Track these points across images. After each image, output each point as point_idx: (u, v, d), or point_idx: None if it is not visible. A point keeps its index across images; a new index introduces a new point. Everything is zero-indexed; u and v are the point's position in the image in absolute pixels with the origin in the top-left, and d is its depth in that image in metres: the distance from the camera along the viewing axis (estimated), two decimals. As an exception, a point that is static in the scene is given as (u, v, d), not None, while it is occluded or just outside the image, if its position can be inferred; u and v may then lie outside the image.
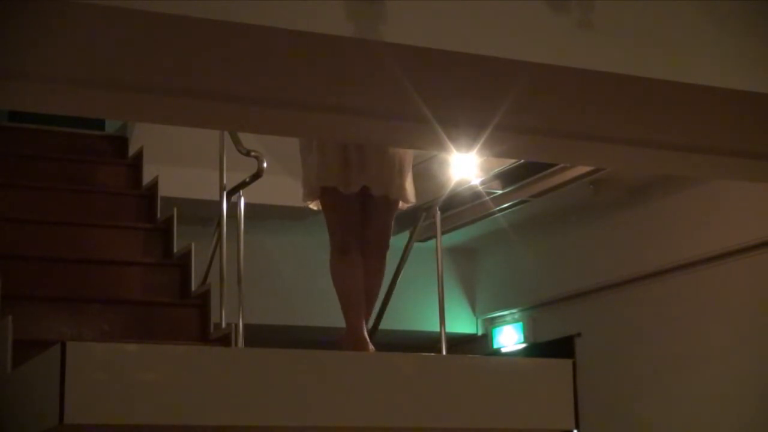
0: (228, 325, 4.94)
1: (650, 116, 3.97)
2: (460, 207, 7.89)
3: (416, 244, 5.62)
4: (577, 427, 4.17)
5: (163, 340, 4.95)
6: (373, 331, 5.23)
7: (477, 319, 9.26)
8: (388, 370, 3.98)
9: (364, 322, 4.59)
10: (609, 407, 7.62)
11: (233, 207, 5.08)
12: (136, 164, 6.23)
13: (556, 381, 4.17)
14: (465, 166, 7.00)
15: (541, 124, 3.98)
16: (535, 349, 8.61)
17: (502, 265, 9.01)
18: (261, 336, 5.39)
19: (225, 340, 4.88)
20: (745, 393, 6.71)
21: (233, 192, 5.09)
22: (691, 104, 3.83)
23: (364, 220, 4.66)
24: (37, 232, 5.42)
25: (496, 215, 7.98)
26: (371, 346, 4.56)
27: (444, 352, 5.21)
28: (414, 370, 4.03)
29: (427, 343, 6.04)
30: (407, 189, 4.67)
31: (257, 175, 4.93)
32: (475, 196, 7.62)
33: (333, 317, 4.72)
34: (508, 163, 7.14)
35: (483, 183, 7.42)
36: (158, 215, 5.82)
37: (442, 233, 5.80)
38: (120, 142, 6.61)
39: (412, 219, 5.70)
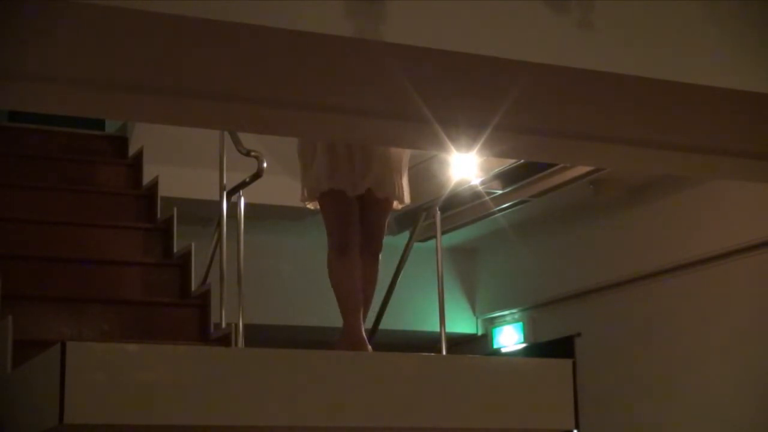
0: (228, 325, 4.94)
1: (650, 116, 3.97)
2: (460, 207, 7.89)
3: (416, 244, 5.61)
4: (577, 427, 4.17)
5: (163, 340, 4.95)
6: (373, 331, 5.24)
7: (477, 319, 9.26)
8: (388, 370, 3.98)
9: (362, 323, 4.59)
10: (609, 407, 7.61)
11: (233, 207, 5.08)
12: (136, 164, 6.23)
13: (556, 381, 4.17)
14: (465, 166, 7.00)
15: (541, 124, 3.98)
16: (535, 349, 8.61)
17: (502, 265, 9.01)
18: (261, 336, 5.40)
19: (225, 340, 4.88)
20: (745, 393, 6.71)
21: (233, 192, 5.09)
22: (691, 104, 3.83)
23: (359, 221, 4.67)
24: (37, 232, 5.42)
25: (496, 215, 7.98)
26: (369, 347, 4.57)
27: (444, 352, 5.21)
28: (414, 370, 4.03)
29: (427, 343, 6.04)
30: (404, 190, 4.68)
31: (257, 175, 4.93)
32: (475, 196, 7.62)
33: (333, 317, 4.72)
34: (508, 163, 7.14)
35: (483, 183, 7.42)
36: (158, 215, 5.82)
37: (442, 233, 5.80)
38: (120, 142, 6.61)
39: (412, 219, 5.70)
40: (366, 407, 3.84)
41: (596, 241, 8.02)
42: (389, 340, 5.63)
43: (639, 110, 3.91)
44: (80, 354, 3.49)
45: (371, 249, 4.68)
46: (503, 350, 9.02)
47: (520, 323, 8.95)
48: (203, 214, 6.50)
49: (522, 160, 6.89)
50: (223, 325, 5.00)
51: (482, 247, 9.10)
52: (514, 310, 9.00)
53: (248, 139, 5.13)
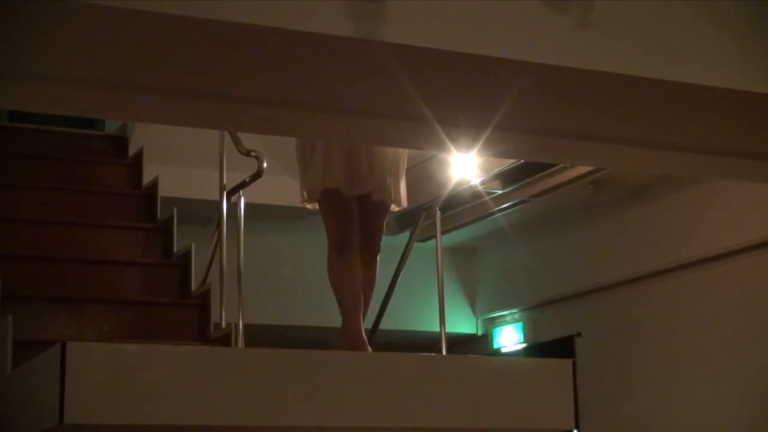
0: (228, 325, 4.94)
1: (650, 116, 3.97)
2: (460, 207, 7.90)
3: (416, 244, 5.62)
4: (577, 427, 4.17)
5: (163, 340, 4.95)
6: (373, 331, 5.24)
7: (477, 319, 9.26)
8: (388, 370, 3.98)
9: (362, 323, 4.59)
10: (609, 407, 7.62)
11: (233, 207, 5.08)
12: (136, 164, 6.23)
13: (556, 381, 4.17)
14: (465, 166, 7.00)
15: (541, 124, 3.98)
16: (535, 349, 8.61)
17: (502, 265, 9.01)
18: (261, 336, 5.39)
19: (225, 340, 4.88)
20: (745, 393, 6.71)
21: (233, 192, 5.09)
22: (691, 104, 3.83)
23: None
24: (37, 232, 5.42)
25: (496, 215, 7.99)
26: (369, 347, 4.57)
27: (444, 352, 5.21)
28: (414, 370, 4.03)
29: (427, 343, 6.05)
30: (402, 193, 4.69)
31: (257, 175, 4.93)
32: (475, 196, 7.63)
33: (332, 317, 4.72)
34: (508, 163, 7.15)
35: (483, 183, 7.43)
36: (158, 215, 5.82)
37: (442, 233, 5.81)
38: (120, 142, 6.62)
39: (412, 219, 5.70)
40: (366, 407, 3.84)
41: (596, 241, 8.03)
42: (389, 340, 5.64)
43: (639, 110, 3.91)
44: (80, 354, 3.49)
45: (370, 250, 4.69)
46: (503, 350, 9.02)
47: (520, 323, 8.95)
48: (203, 214, 6.50)
49: (522, 160, 6.89)
50: (223, 325, 5.00)
51: (482, 247, 9.10)
52: (514, 310, 9.00)
53: (248, 139, 5.13)
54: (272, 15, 3.11)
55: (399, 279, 5.44)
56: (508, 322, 9.09)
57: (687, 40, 3.66)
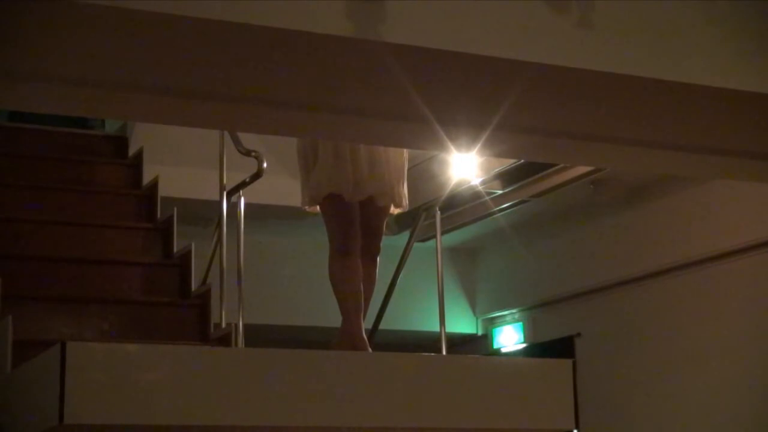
0: (228, 325, 4.94)
1: (650, 116, 3.97)
2: (460, 207, 7.90)
3: (416, 244, 5.62)
4: (577, 427, 4.17)
5: (163, 340, 4.95)
6: (373, 331, 5.24)
7: (477, 319, 9.26)
8: (388, 370, 3.98)
9: (362, 323, 4.60)
10: (609, 407, 7.62)
11: (233, 207, 5.08)
12: (136, 164, 6.23)
13: (556, 381, 4.17)
14: (465, 166, 7.01)
15: (541, 124, 3.98)
16: (535, 349, 8.61)
17: (502, 265, 9.01)
18: (261, 336, 5.39)
19: (225, 340, 4.88)
20: (745, 393, 6.71)
21: (233, 192, 5.09)
22: (691, 104, 3.83)
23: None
24: (37, 232, 5.42)
25: (496, 215, 7.99)
26: (369, 348, 4.57)
27: (444, 352, 5.21)
28: (414, 370, 4.03)
29: (427, 343, 6.04)
30: (404, 196, 4.71)
31: (257, 175, 4.93)
32: (475, 196, 7.63)
33: (332, 317, 4.73)
34: (508, 163, 7.15)
35: (483, 183, 7.43)
36: (158, 215, 5.82)
37: (442, 233, 5.80)
38: (120, 142, 6.61)
39: (412, 219, 5.70)
40: (366, 407, 3.84)
41: (596, 241, 8.03)
42: (389, 340, 5.64)
43: (639, 110, 3.91)
44: (80, 354, 3.49)
45: (370, 251, 4.70)
46: (503, 350, 9.02)
47: (520, 323, 8.95)
48: (203, 214, 6.50)
49: (522, 160, 6.89)
50: (223, 325, 5.00)
51: (482, 247, 9.10)
52: (514, 310, 9.00)
53: (248, 139, 5.12)
54: (272, 15, 3.11)
55: (399, 279, 5.44)
56: (508, 322, 9.09)
57: (687, 40, 3.66)
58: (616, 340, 7.78)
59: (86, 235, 5.49)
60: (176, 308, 5.25)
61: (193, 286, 5.35)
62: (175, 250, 5.57)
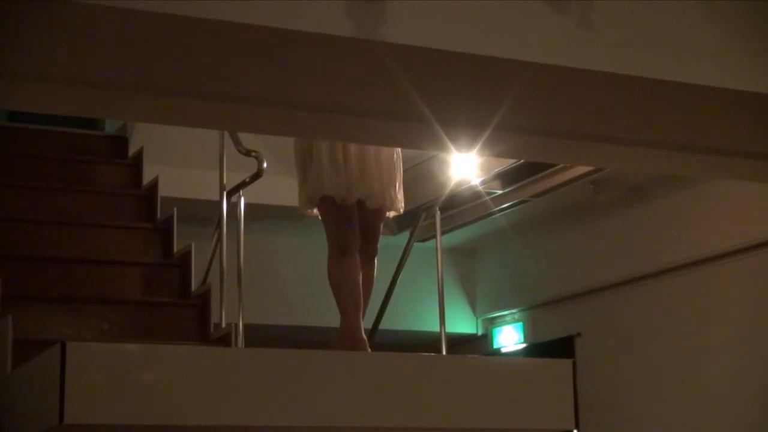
0: (228, 325, 4.94)
1: (650, 116, 3.97)
2: (460, 207, 7.90)
3: (416, 244, 5.62)
4: (577, 427, 4.17)
5: (163, 340, 4.95)
6: (373, 331, 5.24)
7: (477, 319, 9.26)
8: (388, 370, 3.98)
9: (362, 323, 4.60)
10: (609, 407, 7.62)
11: (233, 207, 5.08)
12: (136, 164, 6.23)
13: (556, 381, 4.17)
14: (465, 166, 7.01)
15: (541, 124, 3.98)
16: (535, 349, 8.61)
17: (502, 265, 9.01)
18: (261, 336, 5.39)
19: (225, 340, 4.88)
20: (745, 393, 6.71)
21: (233, 192, 5.09)
22: (691, 104, 3.83)
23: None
24: (37, 232, 5.42)
25: (496, 215, 7.99)
26: (369, 348, 4.57)
27: (444, 352, 5.21)
28: (414, 370, 4.03)
29: (427, 343, 6.04)
30: (398, 199, 4.72)
31: (257, 175, 4.93)
32: (475, 196, 7.63)
33: (332, 317, 4.72)
34: (508, 163, 7.15)
35: (483, 183, 7.43)
36: (158, 215, 5.82)
37: (442, 233, 5.80)
38: (120, 142, 6.62)
39: (412, 219, 5.70)
40: (366, 407, 3.84)
41: (596, 241, 8.03)
42: (389, 340, 5.63)
43: (639, 110, 3.91)
44: (80, 354, 3.49)
45: (368, 252, 4.71)
46: (503, 350, 9.02)
47: (520, 323, 8.95)
48: (203, 214, 6.49)
49: (522, 160, 6.89)
50: (223, 325, 5.00)
51: (482, 247, 9.10)
52: (514, 310, 9.00)
53: (248, 139, 5.12)
54: (272, 15, 3.11)
55: (399, 279, 5.44)
56: (508, 322, 9.09)
57: (687, 40, 3.66)
58: (616, 340, 7.78)
59: (86, 235, 5.49)
60: (176, 308, 5.25)
61: (193, 286, 5.35)
62: (175, 250, 5.57)
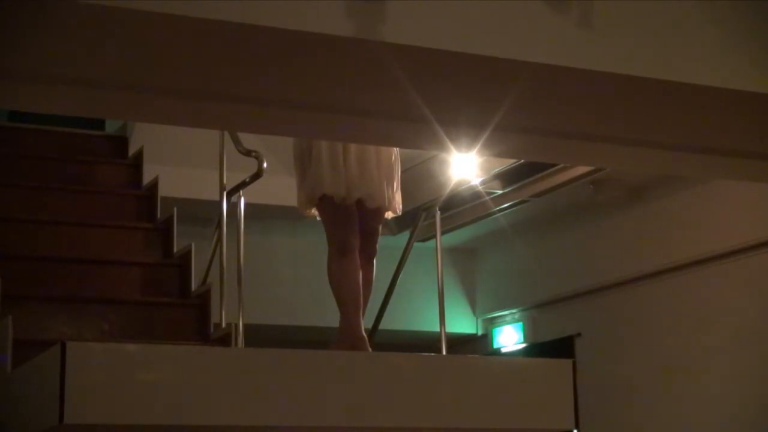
0: (228, 325, 4.94)
1: (650, 116, 3.97)
2: (460, 207, 7.90)
3: (416, 244, 5.61)
4: (577, 427, 4.17)
5: (163, 340, 4.95)
6: (373, 331, 5.24)
7: (477, 319, 9.26)
8: (388, 370, 3.98)
9: (362, 323, 4.60)
10: (609, 407, 7.62)
11: (233, 207, 5.08)
12: (136, 164, 6.23)
13: (556, 381, 4.17)
14: (465, 166, 7.01)
15: (541, 124, 3.98)
16: (535, 349, 8.61)
17: (502, 265, 9.01)
18: (261, 336, 5.39)
19: (225, 340, 4.88)
20: (745, 393, 6.71)
21: (233, 192, 5.09)
22: (690, 104, 3.83)
23: None
24: (37, 232, 5.42)
25: (496, 215, 7.99)
26: (369, 348, 4.57)
27: (444, 352, 5.21)
28: (414, 370, 4.03)
29: (427, 343, 6.04)
30: (396, 200, 4.73)
31: (257, 175, 4.93)
32: (475, 196, 7.63)
33: (332, 317, 4.72)
34: (508, 163, 7.15)
35: (483, 183, 7.43)
36: (158, 215, 5.82)
37: (442, 233, 5.81)
38: (120, 142, 6.62)
39: (412, 219, 5.70)
40: (366, 407, 3.84)
41: (596, 241, 8.03)
42: (389, 340, 5.63)
43: (639, 110, 3.91)
44: (80, 354, 3.49)
45: (367, 253, 4.71)
46: (503, 350, 9.02)
47: (520, 323, 8.95)
48: (203, 214, 6.50)
49: (522, 160, 6.89)
50: (223, 325, 5.00)
51: (482, 247, 9.10)
52: (514, 310, 9.00)
53: (248, 139, 5.13)
54: (272, 15, 3.11)
55: (399, 279, 5.44)
56: (508, 322, 9.09)
57: (687, 40, 3.66)
58: (616, 340, 7.78)
59: (86, 235, 5.49)
60: (176, 308, 5.25)
61: (193, 286, 5.35)
62: (175, 250, 5.57)
